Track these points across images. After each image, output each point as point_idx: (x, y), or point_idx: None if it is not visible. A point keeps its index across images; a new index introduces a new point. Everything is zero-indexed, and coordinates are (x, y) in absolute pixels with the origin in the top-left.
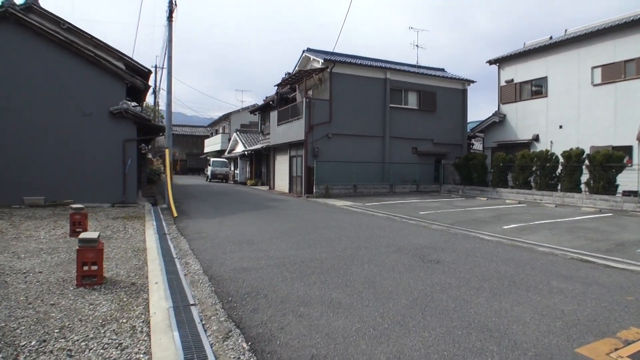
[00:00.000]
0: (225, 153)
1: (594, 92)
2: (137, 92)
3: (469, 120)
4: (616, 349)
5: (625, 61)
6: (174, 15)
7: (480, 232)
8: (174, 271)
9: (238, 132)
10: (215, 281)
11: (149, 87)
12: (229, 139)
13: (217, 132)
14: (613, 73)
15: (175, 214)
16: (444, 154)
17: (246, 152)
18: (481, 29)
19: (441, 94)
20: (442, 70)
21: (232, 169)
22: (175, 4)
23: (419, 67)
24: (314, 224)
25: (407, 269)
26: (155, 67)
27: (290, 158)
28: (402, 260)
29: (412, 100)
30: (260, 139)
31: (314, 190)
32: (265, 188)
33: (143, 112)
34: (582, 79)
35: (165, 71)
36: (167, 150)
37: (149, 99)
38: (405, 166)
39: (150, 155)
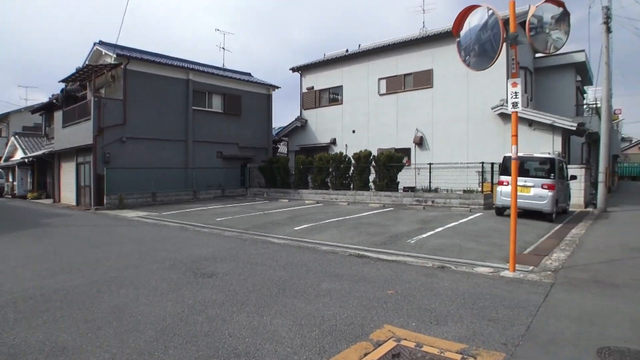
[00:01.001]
0: (1, 161)
1: (380, 101)
2: None
3: (280, 125)
4: (366, 354)
5: (405, 75)
6: None
7: (271, 235)
8: None
9: (17, 136)
10: None
11: None
12: (7, 144)
13: None
14: (395, 85)
15: None
16: (250, 158)
17: (27, 160)
18: (294, 37)
19: (247, 98)
20: (249, 74)
21: (11, 180)
22: None
23: (225, 70)
24: (87, 243)
25: (172, 288)
26: None
27: (78, 165)
28: (171, 278)
29: (217, 104)
30: (45, 143)
31: (105, 201)
32: (50, 201)
33: None
34: (371, 89)
35: None
36: None
37: None
38: (211, 171)
39: None
